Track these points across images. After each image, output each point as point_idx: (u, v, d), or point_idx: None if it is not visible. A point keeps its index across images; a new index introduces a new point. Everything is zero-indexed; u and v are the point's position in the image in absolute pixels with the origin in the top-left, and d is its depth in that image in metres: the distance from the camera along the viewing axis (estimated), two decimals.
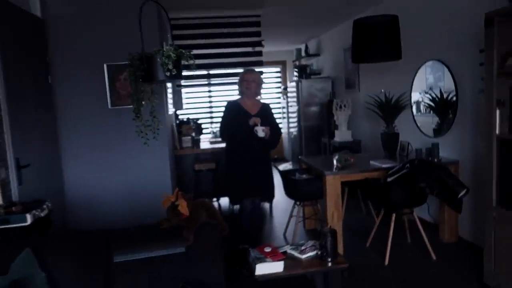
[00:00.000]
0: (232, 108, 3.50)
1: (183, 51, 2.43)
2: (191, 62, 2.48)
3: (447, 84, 3.73)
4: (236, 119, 3.39)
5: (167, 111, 4.26)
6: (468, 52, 3.39)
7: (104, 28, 3.66)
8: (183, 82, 5.62)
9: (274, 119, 3.61)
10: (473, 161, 3.45)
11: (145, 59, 2.31)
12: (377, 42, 3.46)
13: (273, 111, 3.72)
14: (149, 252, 2.07)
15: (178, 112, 6.08)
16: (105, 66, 3.66)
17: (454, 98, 3.66)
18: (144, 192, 3.75)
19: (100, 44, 3.65)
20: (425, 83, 4.09)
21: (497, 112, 2.59)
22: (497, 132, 2.61)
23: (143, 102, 2.59)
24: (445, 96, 3.79)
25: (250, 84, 3.43)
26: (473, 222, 3.51)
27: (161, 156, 3.85)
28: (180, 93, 5.82)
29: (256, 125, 3.28)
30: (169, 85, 4.76)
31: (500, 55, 2.54)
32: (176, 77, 2.36)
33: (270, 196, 3.79)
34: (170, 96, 4.91)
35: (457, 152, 3.66)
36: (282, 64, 9.07)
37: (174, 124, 5.26)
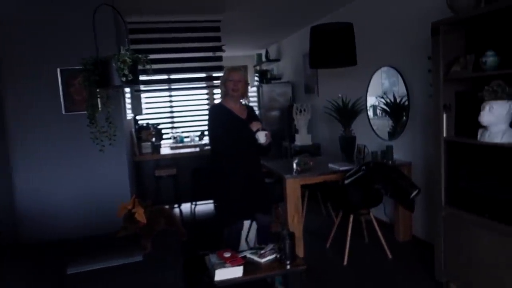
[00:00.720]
0: (219, 114, 2.95)
1: (140, 56, 2.40)
2: (148, 67, 2.46)
3: (401, 89, 3.91)
4: (229, 126, 2.88)
5: (125, 116, 4.17)
6: (418, 59, 3.57)
7: (58, 32, 3.53)
8: (142, 87, 5.52)
9: (261, 121, 3.17)
10: (424, 162, 3.62)
11: (99, 63, 2.27)
12: (333, 48, 3.56)
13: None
14: (105, 262, 2.03)
15: (138, 117, 5.96)
16: (58, 70, 3.54)
17: (407, 103, 3.84)
18: (102, 200, 3.64)
19: (53, 49, 3.52)
20: (381, 88, 4.25)
21: (444, 116, 2.74)
22: (444, 134, 2.75)
23: (99, 108, 2.53)
24: (398, 100, 3.97)
25: (237, 85, 2.92)
26: (425, 221, 3.68)
27: (119, 162, 3.76)
28: (140, 98, 5.71)
29: (257, 130, 2.83)
30: (127, 90, 4.66)
31: (445, 62, 2.70)
32: (132, 82, 2.32)
33: (269, 207, 3.28)
34: (128, 101, 4.80)
35: (410, 154, 3.83)
36: (243, 68, 9.11)
37: (133, 129, 5.15)
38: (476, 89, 2.44)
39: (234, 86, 2.92)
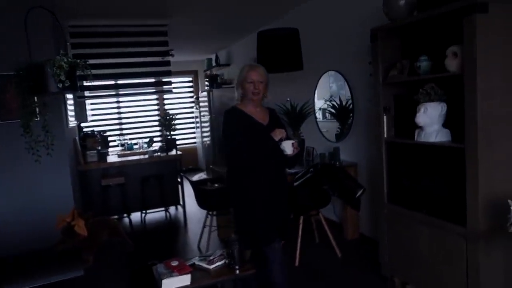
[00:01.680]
0: (237, 120, 2.45)
1: (78, 60, 2.31)
2: (88, 72, 2.37)
3: (347, 92, 4.05)
4: (249, 134, 2.39)
5: (67, 124, 3.97)
6: (361, 64, 3.71)
7: None
8: (87, 93, 5.29)
9: (285, 126, 2.61)
10: (369, 163, 3.77)
11: (33, 69, 2.15)
12: (280, 53, 3.62)
13: None
14: (43, 279, 1.91)
15: (83, 124, 5.71)
16: None
17: (351, 106, 3.98)
18: (42, 213, 3.42)
19: None
20: (329, 91, 4.38)
21: (384, 118, 2.87)
22: (385, 136, 2.88)
23: (37, 118, 2.40)
24: (344, 103, 4.10)
25: (259, 86, 2.43)
26: (371, 219, 3.82)
27: (60, 172, 3.56)
28: (84, 104, 5.47)
29: (281, 139, 2.37)
30: (70, 96, 4.45)
31: (384, 67, 2.83)
32: (70, 89, 2.22)
33: (289, 232, 2.72)
34: (71, 108, 4.58)
35: (355, 155, 3.97)
36: (193, 73, 9.03)
37: (77, 137, 4.92)
38: (412, 92, 2.58)
39: (255, 89, 2.42)
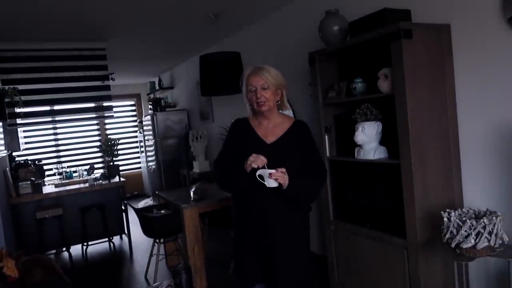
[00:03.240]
0: (238, 134, 2.06)
1: (6, 87, 2.16)
2: (17, 99, 2.22)
3: (291, 112, 4.14)
4: (243, 154, 1.89)
5: None
6: (302, 86, 3.84)
7: None
8: (19, 120, 4.96)
9: (314, 149, 2.05)
10: None
11: None
12: (222, 76, 3.64)
13: (306, 134, 2.07)
14: None
15: (15, 153, 5.32)
16: None
17: None
18: None
19: None
20: None
21: (326, 137, 2.97)
22: (327, 154, 2.97)
23: None
24: None
25: (262, 94, 1.92)
26: (319, 237, 3.89)
27: None
28: (16, 132, 5.10)
29: (258, 168, 1.82)
30: None
31: (323, 88, 2.95)
32: None
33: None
34: (0, 136, 4.26)
35: None
36: (136, 97, 8.82)
37: (7, 168, 4.56)
38: (351, 112, 2.70)
39: (258, 99, 1.91)
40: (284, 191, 1.84)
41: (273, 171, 1.78)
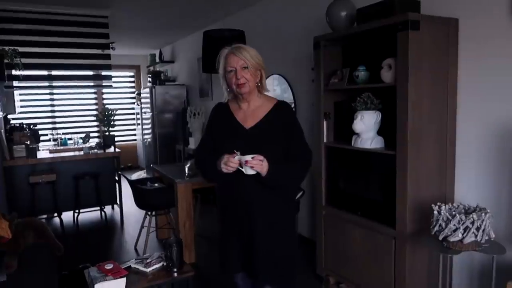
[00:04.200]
0: (218, 119, 1.96)
1: (7, 48, 2.13)
2: (17, 61, 2.19)
3: (290, 95, 4.13)
4: (221, 140, 1.87)
5: None
6: (304, 70, 3.82)
7: None
8: (16, 83, 4.90)
9: (297, 131, 1.91)
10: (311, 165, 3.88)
11: None
12: None
13: (286, 114, 1.93)
14: None
15: (10, 116, 5.27)
16: None
17: (294, 109, 4.07)
18: None
19: None
20: (273, 94, 4.44)
21: (324, 123, 2.98)
22: (324, 140, 2.99)
23: None
24: None
25: (242, 75, 1.79)
26: (309, 220, 3.94)
27: None
28: (12, 95, 5.05)
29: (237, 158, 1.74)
30: None
31: (326, 74, 2.93)
32: None
33: (282, 277, 1.93)
34: None
35: None
36: (136, 68, 8.73)
37: (2, 131, 4.53)
38: (351, 100, 2.70)
39: (238, 80, 1.78)
40: (263, 179, 1.74)
41: (249, 158, 1.69)
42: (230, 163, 1.71)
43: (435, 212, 2.02)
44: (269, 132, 1.84)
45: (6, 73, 2.59)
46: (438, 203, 2.07)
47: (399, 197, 2.35)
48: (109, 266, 2.06)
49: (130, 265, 2.17)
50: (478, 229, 1.90)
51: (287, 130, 1.86)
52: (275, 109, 1.89)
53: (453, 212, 2.01)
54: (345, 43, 2.93)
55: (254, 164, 1.69)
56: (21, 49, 4.18)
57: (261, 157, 1.71)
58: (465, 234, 1.91)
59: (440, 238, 1.98)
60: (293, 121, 1.92)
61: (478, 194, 2.40)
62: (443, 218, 1.98)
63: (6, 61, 2.12)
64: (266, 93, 1.94)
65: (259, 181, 1.76)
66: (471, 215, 1.91)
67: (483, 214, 1.92)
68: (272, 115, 1.87)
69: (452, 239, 1.94)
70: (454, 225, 1.93)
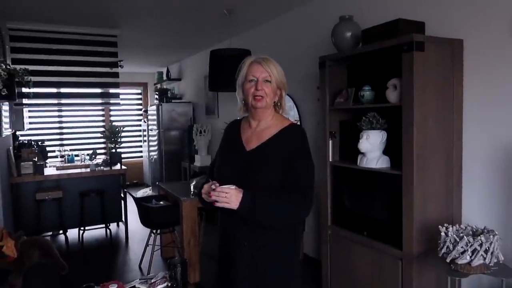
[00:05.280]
0: (225, 138, 1.84)
1: (18, 68, 2.18)
2: (28, 80, 2.24)
3: (296, 114, 4.15)
4: (220, 160, 1.75)
5: (1, 133, 3.70)
6: (309, 88, 3.84)
7: None
8: (25, 100, 4.98)
9: (302, 162, 1.65)
10: (316, 185, 3.86)
11: None
12: (231, 73, 3.64)
13: (298, 140, 1.68)
14: None
15: (19, 132, 5.34)
16: None
17: None
18: None
19: None
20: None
21: (330, 142, 2.98)
22: (330, 159, 2.98)
23: None
24: None
25: (261, 87, 1.63)
26: (315, 240, 3.90)
27: None
28: (22, 112, 5.12)
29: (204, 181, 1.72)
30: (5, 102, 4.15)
31: (331, 93, 2.95)
32: (6, 98, 2.09)
33: None
34: (6, 114, 4.27)
35: None
36: (143, 86, 8.84)
37: (11, 147, 4.58)
38: (357, 119, 2.71)
39: (257, 91, 1.62)
40: (236, 211, 1.50)
41: (216, 187, 1.49)
42: (209, 194, 1.53)
43: (442, 233, 1.99)
44: (269, 157, 1.62)
45: (16, 91, 2.64)
46: (445, 224, 2.04)
47: (405, 218, 2.33)
48: (113, 286, 2.04)
49: (135, 285, 2.16)
50: (486, 251, 1.87)
51: (288, 158, 1.60)
52: (282, 133, 1.67)
53: (461, 234, 1.98)
54: (350, 62, 2.96)
55: (216, 197, 1.48)
56: (31, 68, 4.29)
57: (229, 190, 1.48)
58: (473, 257, 1.88)
59: (448, 260, 1.95)
60: (298, 148, 1.64)
61: (486, 215, 2.37)
62: (450, 240, 1.95)
63: (16, 79, 2.17)
64: (285, 115, 1.75)
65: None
66: (479, 237, 1.89)
67: (491, 236, 1.89)
68: (277, 139, 1.65)
69: (460, 261, 1.91)
70: (462, 247, 1.90)
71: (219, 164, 1.72)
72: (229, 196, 1.48)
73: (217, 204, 1.50)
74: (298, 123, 4.07)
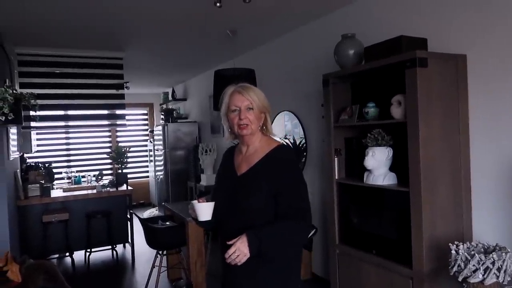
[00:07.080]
0: (222, 163, 1.87)
1: (24, 92, 2.21)
2: (34, 103, 2.27)
3: (301, 131, 4.15)
4: (216, 184, 1.82)
5: (9, 156, 3.73)
6: (314, 106, 3.85)
7: None
8: (33, 123, 5.04)
9: (291, 186, 1.62)
10: (322, 202, 3.83)
11: None
12: None
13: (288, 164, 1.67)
14: None
15: (26, 155, 5.38)
16: None
17: (305, 145, 4.07)
18: None
19: None
20: (284, 130, 4.47)
21: (336, 159, 2.96)
22: (336, 177, 2.96)
23: None
24: (298, 142, 4.20)
25: (245, 115, 1.65)
26: (323, 259, 3.84)
27: None
28: (29, 134, 5.18)
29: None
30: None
31: (335, 110, 2.95)
32: (14, 122, 2.11)
33: None
34: (13, 137, 4.32)
35: (309, 195, 4.02)
36: (149, 106, 8.92)
37: (18, 170, 4.61)
38: (362, 136, 2.69)
39: (241, 120, 1.65)
40: (251, 255, 1.49)
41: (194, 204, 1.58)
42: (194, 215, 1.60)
43: (453, 251, 1.95)
44: (257, 181, 1.62)
45: (23, 115, 2.68)
46: (456, 242, 2.00)
47: (414, 235, 2.28)
48: None
49: None
50: (499, 269, 1.83)
51: (277, 182, 1.59)
52: (270, 155, 1.67)
53: (472, 252, 1.93)
54: (353, 80, 2.96)
55: (232, 260, 1.48)
56: (39, 91, 4.35)
57: (233, 249, 1.48)
58: (486, 275, 1.83)
59: (460, 279, 1.90)
60: (285, 170, 1.63)
61: (497, 232, 2.32)
62: (461, 258, 1.90)
63: (23, 103, 2.20)
64: (273, 136, 1.77)
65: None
66: (491, 255, 1.84)
67: (503, 253, 1.85)
68: (265, 162, 1.66)
69: (472, 280, 1.86)
70: (474, 265, 1.85)
71: (214, 189, 1.78)
72: (237, 249, 1.48)
73: (235, 261, 1.49)
74: (304, 141, 4.07)
